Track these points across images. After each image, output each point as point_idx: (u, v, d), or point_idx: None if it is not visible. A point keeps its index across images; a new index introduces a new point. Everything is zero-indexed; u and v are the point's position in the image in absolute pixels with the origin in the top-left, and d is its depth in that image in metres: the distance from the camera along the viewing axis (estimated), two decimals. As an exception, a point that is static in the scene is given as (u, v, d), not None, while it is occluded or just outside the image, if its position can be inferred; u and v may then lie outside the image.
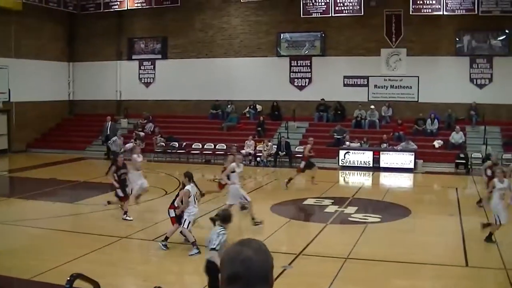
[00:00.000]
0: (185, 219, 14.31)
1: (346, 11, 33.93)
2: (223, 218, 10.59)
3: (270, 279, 2.86)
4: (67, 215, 19.09)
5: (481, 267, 13.53)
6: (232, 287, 2.77)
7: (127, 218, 17.91)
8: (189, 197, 14.46)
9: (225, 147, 33.39)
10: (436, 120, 33.10)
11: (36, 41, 37.50)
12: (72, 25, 40.92)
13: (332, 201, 21.15)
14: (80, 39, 40.87)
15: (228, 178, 17.70)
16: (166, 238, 14.56)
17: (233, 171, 17.52)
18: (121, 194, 18.33)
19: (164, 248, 14.40)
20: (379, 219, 18.85)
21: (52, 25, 39.12)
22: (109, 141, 30.47)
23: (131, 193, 19.07)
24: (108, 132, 34.27)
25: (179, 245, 15.35)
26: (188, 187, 14.63)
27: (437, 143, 31.79)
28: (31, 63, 36.67)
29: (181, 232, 14.61)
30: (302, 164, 25.12)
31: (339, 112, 35.48)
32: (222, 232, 10.04)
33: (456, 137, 31.29)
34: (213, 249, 9.79)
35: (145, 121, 37.59)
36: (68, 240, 15.60)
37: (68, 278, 7.70)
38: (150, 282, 10.00)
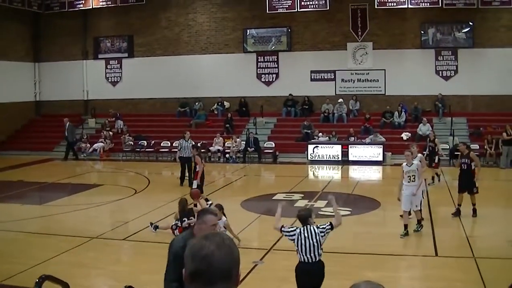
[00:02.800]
0: None
1: (312, 6, 33.95)
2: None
3: (233, 276, 2.76)
4: (35, 217, 18.90)
5: (450, 257, 13.67)
6: (194, 285, 2.69)
7: None
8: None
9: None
10: (403, 113, 33.40)
11: (0, 41, 37.00)
12: (37, 25, 40.47)
13: (302, 195, 21.19)
14: (45, 39, 40.45)
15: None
16: None
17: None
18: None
19: None
20: (349, 212, 18.92)
21: (16, 25, 38.63)
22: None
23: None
24: (66, 134, 34.09)
25: (150, 243, 15.32)
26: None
27: (405, 135, 32.05)
28: (-5, 64, 36.26)
29: None
30: None
31: (307, 107, 35.60)
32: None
33: (424, 128, 31.54)
34: None
35: (113, 118, 37.43)
36: (38, 242, 15.44)
37: (37, 280, 7.63)
38: (121, 282, 9.93)
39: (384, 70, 34.71)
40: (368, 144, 31.01)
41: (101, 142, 35.06)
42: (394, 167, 29.40)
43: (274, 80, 36.79)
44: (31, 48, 40.62)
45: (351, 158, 30.60)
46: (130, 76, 39.14)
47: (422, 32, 34.20)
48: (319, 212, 18.60)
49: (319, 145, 31.40)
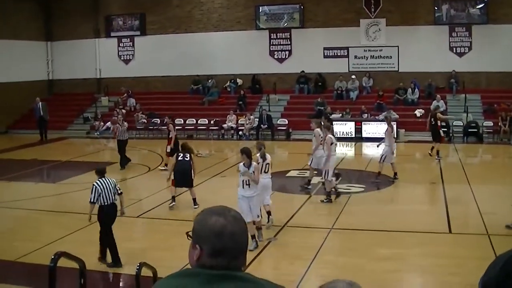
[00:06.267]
0: None
1: (324, -18, 33.85)
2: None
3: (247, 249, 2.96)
4: (50, 196, 19.00)
5: (464, 234, 13.65)
6: (218, 260, 2.77)
7: None
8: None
9: (207, 122, 33.56)
10: (416, 89, 33.21)
11: (12, 20, 36.83)
12: (49, 4, 40.41)
13: (315, 172, 21.15)
14: (58, 17, 40.39)
15: None
16: None
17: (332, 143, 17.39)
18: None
19: None
20: (362, 189, 18.95)
21: (28, 4, 38.56)
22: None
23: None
24: (42, 113, 34.03)
25: (164, 221, 15.39)
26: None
27: (418, 112, 31.89)
28: (8, 44, 36.14)
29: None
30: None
31: (320, 84, 35.48)
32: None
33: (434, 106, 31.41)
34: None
35: (125, 95, 37.45)
36: (52, 220, 15.53)
37: (53, 257, 7.67)
38: (135, 259, 9.97)
39: (397, 46, 34.47)
40: (381, 121, 30.87)
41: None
42: (408, 144, 29.43)
43: (287, 57, 36.66)
44: (43, 27, 40.60)
45: (364, 135, 30.56)
46: (142, 54, 39.10)
47: (436, 8, 33.89)
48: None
49: (333, 122, 31.29)
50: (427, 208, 16.83)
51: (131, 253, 12.41)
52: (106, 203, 11.86)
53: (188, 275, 2.77)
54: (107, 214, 11.92)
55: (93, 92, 39.82)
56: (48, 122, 34.30)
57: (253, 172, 12.78)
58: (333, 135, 18.07)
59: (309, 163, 19.41)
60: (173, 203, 16.69)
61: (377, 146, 21.87)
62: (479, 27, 33.21)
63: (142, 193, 19.58)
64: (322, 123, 18.76)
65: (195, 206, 16.25)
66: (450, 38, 33.81)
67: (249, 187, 12.78)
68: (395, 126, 30.16)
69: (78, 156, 27.23)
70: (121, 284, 11.80)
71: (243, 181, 12.81)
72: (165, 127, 24.55)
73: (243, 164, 12.86)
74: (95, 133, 35.03)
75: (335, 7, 35.26)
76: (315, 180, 19.67)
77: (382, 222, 14.64)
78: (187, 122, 34.28)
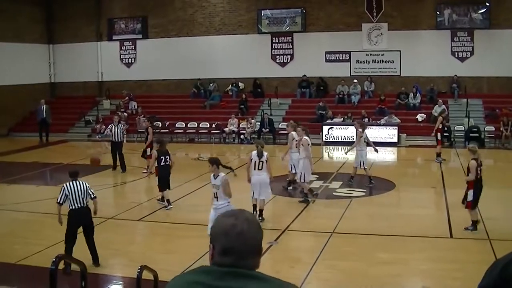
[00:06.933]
0: None
1: (326, -13, 33.86)
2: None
3: (261, 250, 3.02)
4: (51, 198, 18.93)
5: (465, 238, 13.62)
6: (226, 259, 2.89)
7: None
8: None
9: (208, 126, 33.56)
10: (418, 94, 33.21)
11: (14, 23, 36.82)
12: (51, 7, 40.41)
13: (317, 176, 21.08)
14: (60, 20, 40.36)
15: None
16: None
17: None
18: None
19: None
20: (363, 193, 18.94)
21: (30, 7, 38.60)
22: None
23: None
24: (45, 115, 34.29)
25: (165, 224, 15.38)
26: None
27: (420, 117, 31.91)
28: (10, 46, 36.12)
29: None
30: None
31: (322, 88, 35.50)
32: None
33: (439, 110, 31.40)
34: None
35: (127, 98, 37.45)
36: (53, 223, 15.45)
37: (54, 259, 7.66)
38: (136, 262, 9.96)
39: (399, 51, 34.48)
40: (383, 125, 30.90)
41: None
42: (409, 148, 29.44)
43: (288, 61, 36.66)
44: (46, 30, 40.60)
45: (365, 139, 30.53)
46: (144, 58, 39.08)
47: (438, 13, 33.89)
48: (333, 193, 18.64)
49: (334, 126, 31.34)
50: (428, 212, 16.80)
51: (132, 256, 12.42)
52: (73, 207, 11.86)
53: (202, 272, 2.89)
54: (74, 218, 11.87)
55: (95, 95, 39.83)
56: (50, 124, 34.34)
57: (220, 185, 12.50)
58: (308, 137, 18.12)
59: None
60: (170, 206, 16.83)
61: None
62: (481, 32, 33.22)
63: (143, 196, 19.61)
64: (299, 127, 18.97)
65: (170, 206, 17.03)
66: (452, 42, 33.81)
67: (217, 199, 12.54)
68: (395, 131, 30.35)
69: (79, 159, 27.19)
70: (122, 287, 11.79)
71: (213, 192, 12.65)
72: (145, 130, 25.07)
73: (213, 175, 12.75)
74: (97, 136, 35.01)
75: (337, 11, 35.27)
76: (317, 184, 19.70)
77: (383, 226, 14.62)
78: (188, 125, 34.29)
